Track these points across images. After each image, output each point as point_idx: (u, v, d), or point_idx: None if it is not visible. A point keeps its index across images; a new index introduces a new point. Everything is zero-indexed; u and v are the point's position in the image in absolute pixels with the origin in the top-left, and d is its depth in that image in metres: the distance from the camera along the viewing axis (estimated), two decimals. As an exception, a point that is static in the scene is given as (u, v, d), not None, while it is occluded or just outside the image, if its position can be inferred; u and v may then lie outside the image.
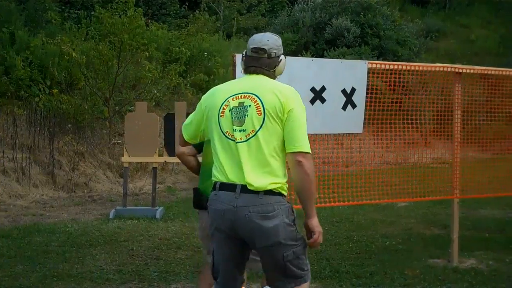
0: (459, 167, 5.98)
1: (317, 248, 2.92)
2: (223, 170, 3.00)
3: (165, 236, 7.14)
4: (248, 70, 3.17)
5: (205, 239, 3.73)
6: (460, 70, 5.97)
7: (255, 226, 2.91)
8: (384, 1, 20.58)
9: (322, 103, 5.08)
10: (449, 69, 5.96)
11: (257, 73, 3.13)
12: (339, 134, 5.98)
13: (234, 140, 2.99)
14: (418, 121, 6.57)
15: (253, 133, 2.97)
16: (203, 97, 3.27)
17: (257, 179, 2.92)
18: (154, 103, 12.83)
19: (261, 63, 3.12)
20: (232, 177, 2.97)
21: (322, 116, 5.07)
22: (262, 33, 3.25)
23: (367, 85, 5.38)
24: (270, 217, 2.91)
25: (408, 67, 6.01)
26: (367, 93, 5.38)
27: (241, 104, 3.03)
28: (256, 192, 2.92)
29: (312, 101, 5.04)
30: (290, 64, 4.94)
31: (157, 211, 8.51)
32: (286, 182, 3.02)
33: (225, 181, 2.99)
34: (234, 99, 3.06)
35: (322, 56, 17.20)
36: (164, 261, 6.02)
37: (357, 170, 6.79)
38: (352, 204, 6.09)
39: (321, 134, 5.59)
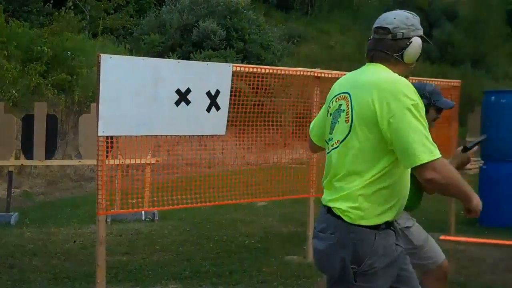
0: (316, 167, 6.24)
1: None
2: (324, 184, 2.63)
3: (20, 243, 6.78)
4: (367, 55, 2.61)
5: None
6: (319, 74, 6.23)
7: (325, 256, 2.50)
8: (250, 6, 20.97)
9: (187, 105, 5.09)
10: (309, 73, 6.19)
11: (374, 60, 2.56)
12: (203, 135, 6.02)
13: (327, 149, 2.62)
14: (278, 123, 6.76)
15: (337, 144, 2.49)
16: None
17: (325, 193, 2.56)
18: (12, 104, 12.18)
19: (383, 46, 2.53)
20: (324, 193, 2.61)
21: (187, 118, 5.09)
22: (391, 11, 2.64)
23: (231, 87, 5.46)
24: (320, 238, 2.50)
25: (271, 71, 6.24)
26: (231, 95, 5.46)
27: (339, 106, 2.54)
28: (324, 206, 2.54)
29: (177, 103, 5.04)
30: (156, 65, 4.96)
31: (11, 217, 8.13)
32: (361, 207, 2.39)
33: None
34: (336, 100, 2.58)
35: (188, 58, 17.16)
36: (19, 269, 5.73)
37: (219, 171, 6.87)
38: (214, 204, 6.18)
39: (185, 136, 5.60)
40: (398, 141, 2.29)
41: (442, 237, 6.87)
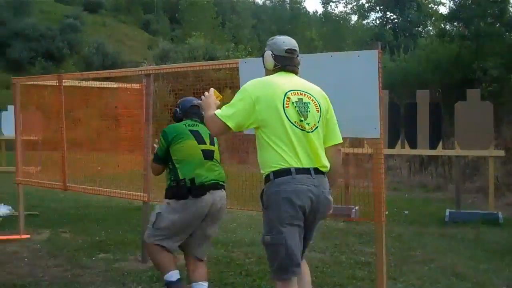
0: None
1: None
2: (297, 156, 3.29)
3: None
4: (285, 68, 3.51)
5: (189, 226, 4.28)
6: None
7: (327, 201, 3.39)
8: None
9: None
10: None
11: (293, 72, 3.55)
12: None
13: (304, 130, 3.33)
14: None
15: (315, 127, 3.37)
16: (250, 87, 3.39)
17: (325, 163, 3.38)
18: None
19: (295, 63, 3.55)
20: (305, 162, 3.29)
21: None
22: (286, 36, 3.63)
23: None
24: (330, 193, 3.44)
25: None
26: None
27: (300, 100, 3.37)
28: (323, 173, 3.37)
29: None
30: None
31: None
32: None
33: (299, 166, 3.27)
34: (294, 94, 3.38)
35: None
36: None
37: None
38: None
39: None
40: (334, 126, 3.51)
41: None
